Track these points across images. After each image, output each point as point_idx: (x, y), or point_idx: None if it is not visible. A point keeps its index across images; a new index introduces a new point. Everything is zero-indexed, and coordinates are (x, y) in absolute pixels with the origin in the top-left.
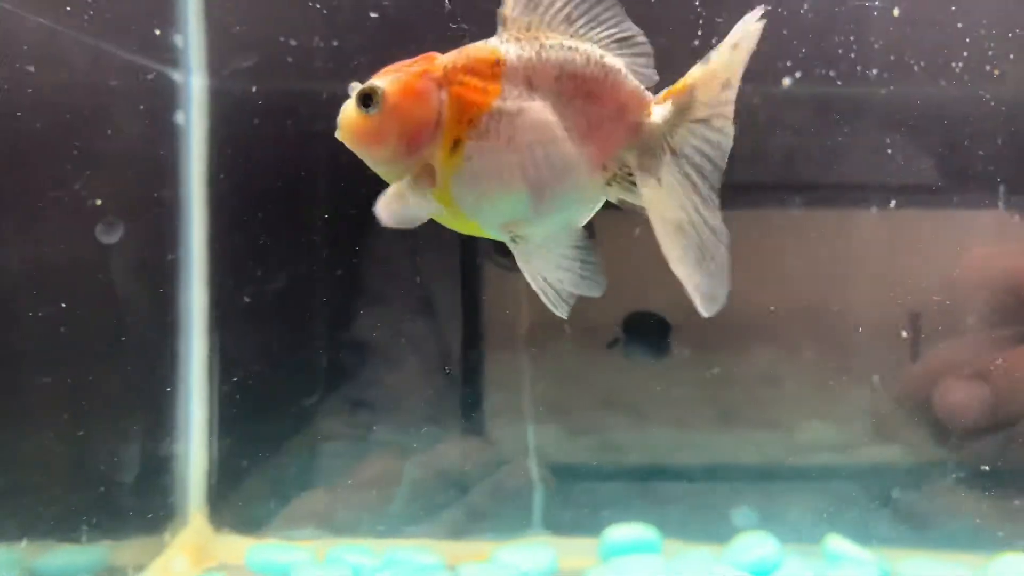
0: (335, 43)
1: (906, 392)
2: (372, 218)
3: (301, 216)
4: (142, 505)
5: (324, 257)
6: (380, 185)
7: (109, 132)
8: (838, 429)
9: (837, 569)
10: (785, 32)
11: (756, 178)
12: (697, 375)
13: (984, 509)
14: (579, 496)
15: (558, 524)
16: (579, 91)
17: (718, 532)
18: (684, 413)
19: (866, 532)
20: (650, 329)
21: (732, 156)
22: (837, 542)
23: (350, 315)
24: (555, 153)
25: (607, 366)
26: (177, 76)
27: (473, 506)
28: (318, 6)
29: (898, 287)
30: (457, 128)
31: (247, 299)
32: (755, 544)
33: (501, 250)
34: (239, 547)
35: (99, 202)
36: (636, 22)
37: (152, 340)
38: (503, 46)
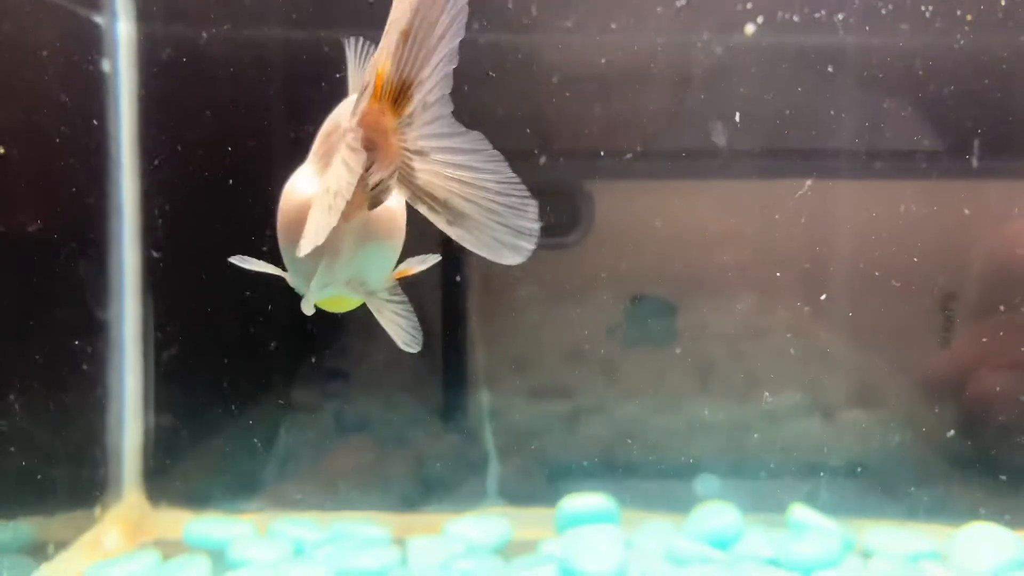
0: None
1: (938, 378)
2: None
3: (240, 171)
4: (67, 479)
5: (266, 215)
6: None
7: (28, 77)
8: (807, 397)
9: (800, 539)
10: None
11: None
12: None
13: (953, 479)
14: (536, 467)
15: (514, 495)
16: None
17: (680, 502)
18: (649, 380)
19: (833, 502)
20: (653, 314)
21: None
22: (801, 511)
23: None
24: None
25: (568, 333)
26: (101, 20)
27: (426, 478)
28: None
29: (930, 262)
30: None
31: (183, 260)
32: (716, 514)
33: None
34: (178, 522)
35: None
36: None
37: (78, 304)
38: None
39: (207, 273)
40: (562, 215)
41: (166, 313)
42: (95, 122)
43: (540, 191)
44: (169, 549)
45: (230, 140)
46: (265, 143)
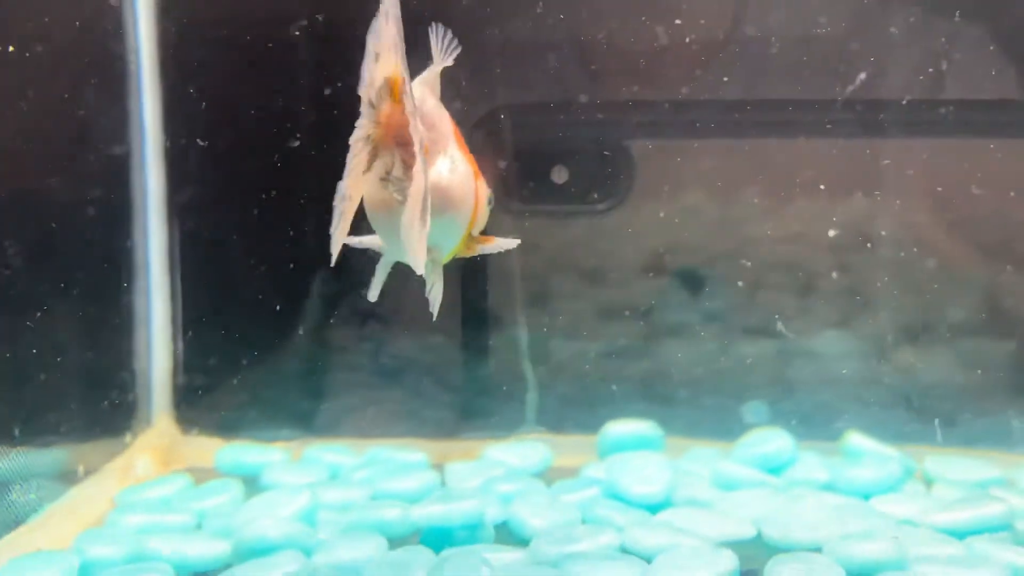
0: None
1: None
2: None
3: (262, 95)
4: (97, 404)
5: (288, 136)
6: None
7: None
8: (859, 334)
9: (857, 465)
10: None
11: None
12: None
13: (1018, 407)
14: (577, 395)
15: (553, 423)
16: None
17: (726, 431)
18: (693, 315)
19: (887, 432)
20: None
21: None
22: (857, 438)
23: (328, 201)
24: None
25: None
26: None
27: (464, 406)
28: None
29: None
30: None
31: (209, 181)
32: (766, 439)
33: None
34: (209, 449)
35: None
36: None
37: (104, 228)
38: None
39: (237, 192)
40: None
41: (192, 235)
42: (116, 45)
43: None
44: (200, 475)
45: (254, 67)
46: (288, 70)
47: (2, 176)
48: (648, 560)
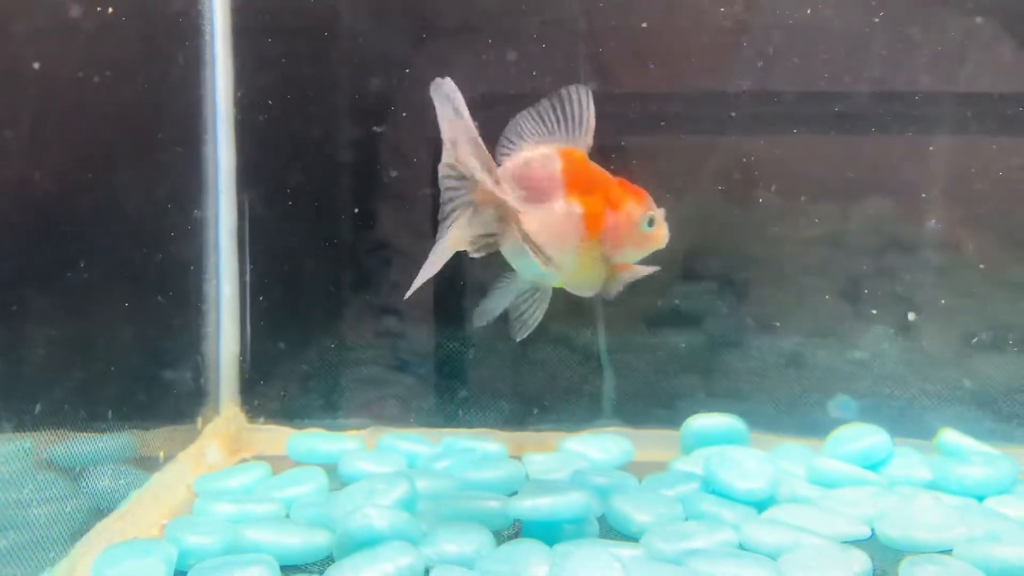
0: None
1: None
2: None
3: (335, 74)
4: (170, 388)
5: (359, 117)
6: None
7: None
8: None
9: (963, 463)
10: None
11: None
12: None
13: None
14: (654, 388)
15: (630, 416)
16: None
17: (811, 426)
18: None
19: (978, 431)
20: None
21: None
22: (952, 435)
23: (403, 194)
24: None
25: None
26: None
27: (539, 398)
28: None
29: None
30: None
31: (283, 163)
32: (860, 435)
33: None
34: (277, 438)
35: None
36: None
37: (173, 210)
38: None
39: (304, 175)
40: None
41: (263, 218)
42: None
43: None
44: (275, 464)
45: (326, 42)
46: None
47: (74, 160)
48: (772, 558)
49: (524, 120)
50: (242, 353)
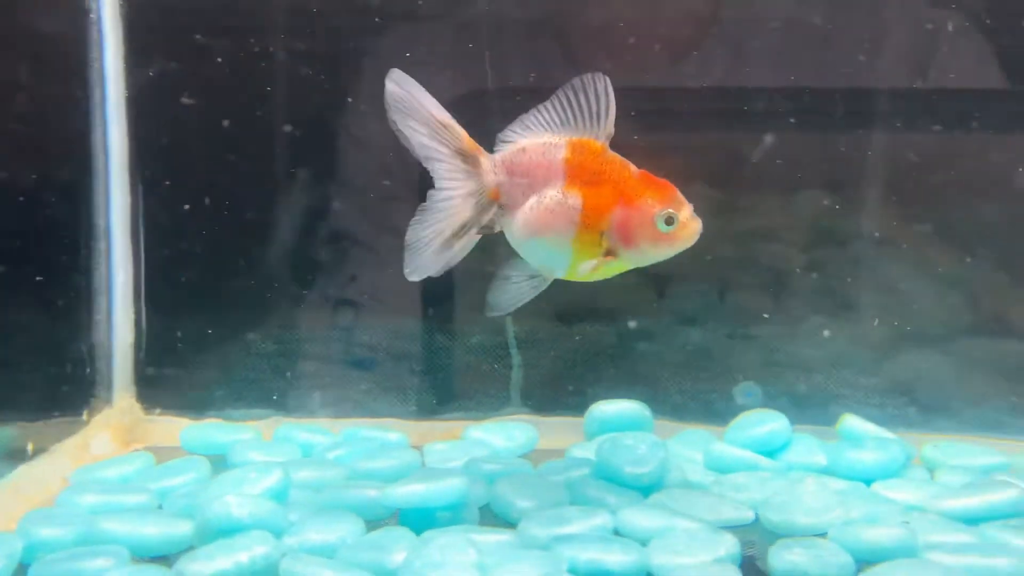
0: None
1: None
2: None
3: (228, 60)
4: (50, 378)
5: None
6: None
7: None
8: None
9: (856, 448)
10: None
11: None
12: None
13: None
14: (563, 376)
15: (537, 403)
16: None
17: (716, 413)
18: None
19: (881, 417)
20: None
21: None
22: (854, 421)
23: (303, 166)
24: None
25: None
26: None
27: (445, 386)
28: None
29: None
30: None
31: (177, 146)
32: (760, 421)
33: None
34: (173, 429)
35: None
36: None
37: (62, 193)
38: None
39: (205, 153)
40: None
41: (158, 202)
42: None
43: None
44: (163, 455)
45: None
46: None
47: None
48: (643, 543)
49: (535, 114)
50: (137, 342)
